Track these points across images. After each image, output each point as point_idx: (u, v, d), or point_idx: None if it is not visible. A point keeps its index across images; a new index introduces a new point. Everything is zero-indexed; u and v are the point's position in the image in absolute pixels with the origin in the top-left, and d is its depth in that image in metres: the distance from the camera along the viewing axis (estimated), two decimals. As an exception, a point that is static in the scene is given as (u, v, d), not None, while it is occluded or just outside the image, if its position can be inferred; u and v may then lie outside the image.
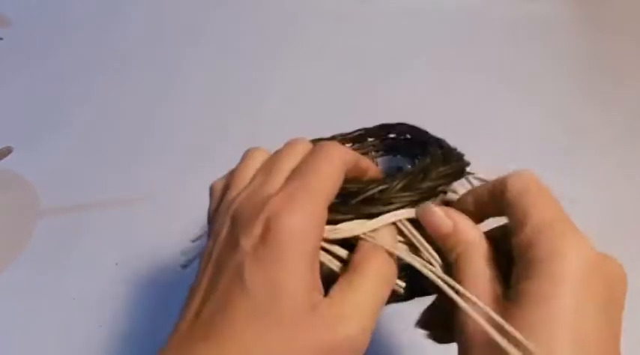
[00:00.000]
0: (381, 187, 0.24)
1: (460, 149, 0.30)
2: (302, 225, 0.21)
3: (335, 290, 0.22)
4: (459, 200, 0.26)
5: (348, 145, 0.35)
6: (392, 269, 0.23)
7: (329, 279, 0.22)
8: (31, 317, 0.42)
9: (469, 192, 0.26)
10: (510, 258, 0.22)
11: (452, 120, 0.53)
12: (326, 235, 0.23)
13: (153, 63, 0.65)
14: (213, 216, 0.25)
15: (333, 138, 0.34)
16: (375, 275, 0.22)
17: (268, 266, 0.20)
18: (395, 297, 0.24)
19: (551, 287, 0.19)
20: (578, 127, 0.54)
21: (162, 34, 0.70)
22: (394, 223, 0.24)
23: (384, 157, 0.35)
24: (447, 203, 0.26)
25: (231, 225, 0.22)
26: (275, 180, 0.23)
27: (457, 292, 0.21)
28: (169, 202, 0.48)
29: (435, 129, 0.32)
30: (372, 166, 0.28)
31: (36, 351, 0.40)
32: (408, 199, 0.24)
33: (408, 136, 0.34)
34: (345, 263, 0.23)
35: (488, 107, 0.56)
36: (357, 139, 0.35)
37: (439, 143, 0.29)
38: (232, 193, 0.24)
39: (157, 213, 0.48)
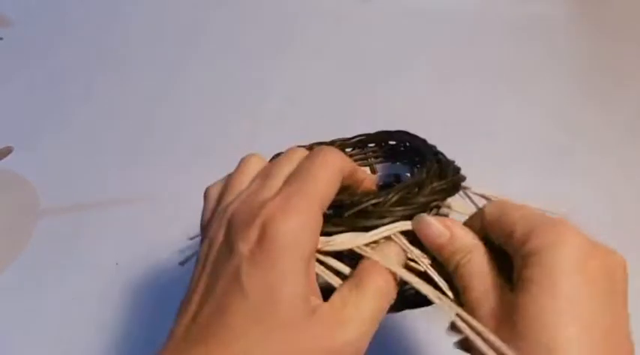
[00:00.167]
0: (374, 200, 0.24)
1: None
2: (297, 230, 0.21)
3: (336, 295, 0.22)
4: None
5: (348, 150, 0.35)
6: (393, 283, 0.23)
7: (324, 291, 0.22)
8: (31, 317, 0.42)
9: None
10: (506, 254, 0.22)
11: (452, 120, 0.54)
12: (320, 247, 0.23)
13: (153, 63, 0.65)
14: (207, 221, 0.25)
15: (332, 142, 0.34)
16: (377, 288, 0.22)
17: (265, 270, 0.20)
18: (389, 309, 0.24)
19: (551, 275, 0.19)
20: (578, 127, 0.54)
21: (162, 34, 0.70)
22: (389, 236, 0.24)
23: (384, 163, 0.35)
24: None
25: (227, 229, 0.22)
26: (271, 185, 0.23)
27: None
28: (169, 202, 0.48)
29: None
30: (369, 177, 0.28)
31: (36, 351, 0.40)
32: (402, 213, 0.24)
33: (408, 144, 0.34)
34: (339, 274, 0.23)
35: (488, 107, 0.56)
36: (356, 145, 0.35)
37: (436, 156, 0.28)
38: (228, 198, 0.24)
39: (156, 213, 0.48)
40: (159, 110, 0.59)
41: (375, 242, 0.24)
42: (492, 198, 0.27)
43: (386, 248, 0.24)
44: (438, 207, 0.26)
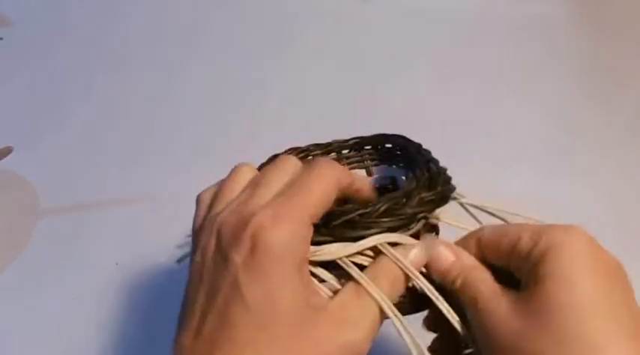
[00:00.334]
0: (361, 211, 0.24)
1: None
2: (288, 238, 0.21)
3: (339, 296, 0.22)
4: None
5: (344, 152, 0.35)
6: (400, 287, 0.24)
7: None
8: (31, 317, 0.42)
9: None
10: (503, 277, 0.23)
11: (452, 121, 0.54)
12: (308, 256, 0.23)
13: (153, 63, 0.65)
14: (198, 228, 0.25)
15: (329, 144, 0.34)
16: (382, 291, 0.23)
17: (262, 279, 0.20)
18: None
19: (572, 264, 0.20)
20: (578, 127, 0.54)
21: (162, 34, 0.70)
22: (376, 246, 0.24)
23: (380, 166, 0.35)
24: (431, 227, 0.26)
25: (217, 239, 0.22)
26: (261, 194, 0.23)
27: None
28: (169, 202, 0.48)
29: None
30: (366, 186, 0.28)
31: (36, 351, 0.40)
32: (388, 224, 0.24)
33: (402, 149, 0.33)
34: (326, 283, 0.23)
35: (488, 107, 0.56)
36: (353, 147, 0.35)
37: (428, 165, 0.28)
38: (218, 207, 0.24)
39: (156, 213, 0.48)
40: (159, 110, 0.59)
41: (363, 254, 0.24)
42: (485, 209, 0.28)
43: (378, 265, 0.24)
44: (426, 219, 0.25)
